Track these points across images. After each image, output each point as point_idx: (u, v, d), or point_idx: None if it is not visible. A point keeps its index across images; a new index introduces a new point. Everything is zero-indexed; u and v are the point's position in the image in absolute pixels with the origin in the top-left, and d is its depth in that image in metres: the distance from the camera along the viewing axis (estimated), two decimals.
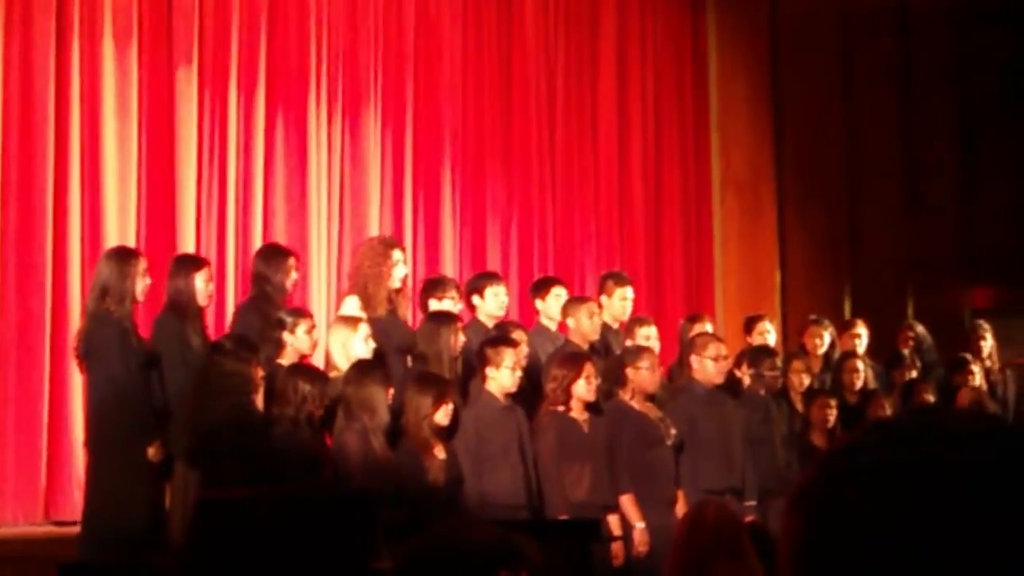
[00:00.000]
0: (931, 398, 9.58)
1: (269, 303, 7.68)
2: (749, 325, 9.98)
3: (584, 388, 7.51)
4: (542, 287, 8.88)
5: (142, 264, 7.31)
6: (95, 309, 7.16)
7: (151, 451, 7.01)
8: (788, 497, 1.10)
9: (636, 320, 9.05)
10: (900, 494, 1.03)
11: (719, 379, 8.22)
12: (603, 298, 8.93)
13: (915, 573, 1.01)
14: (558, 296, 8.68)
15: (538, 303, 8.76)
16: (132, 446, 6.98)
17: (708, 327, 9.32)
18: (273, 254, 8.04)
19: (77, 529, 7.24)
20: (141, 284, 7.24)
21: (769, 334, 9.82)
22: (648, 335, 8.72)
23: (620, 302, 8.99)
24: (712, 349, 8.22)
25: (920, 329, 10.85)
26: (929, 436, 1.06)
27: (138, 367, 7.06)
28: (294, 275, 7.99)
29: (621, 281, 9.17)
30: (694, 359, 8.23)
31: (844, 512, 1.04)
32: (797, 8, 12.94)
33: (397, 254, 8.16)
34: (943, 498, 1.02)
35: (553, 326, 8.66)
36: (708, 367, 8.16)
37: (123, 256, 7.39)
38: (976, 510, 1.01)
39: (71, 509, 8.08)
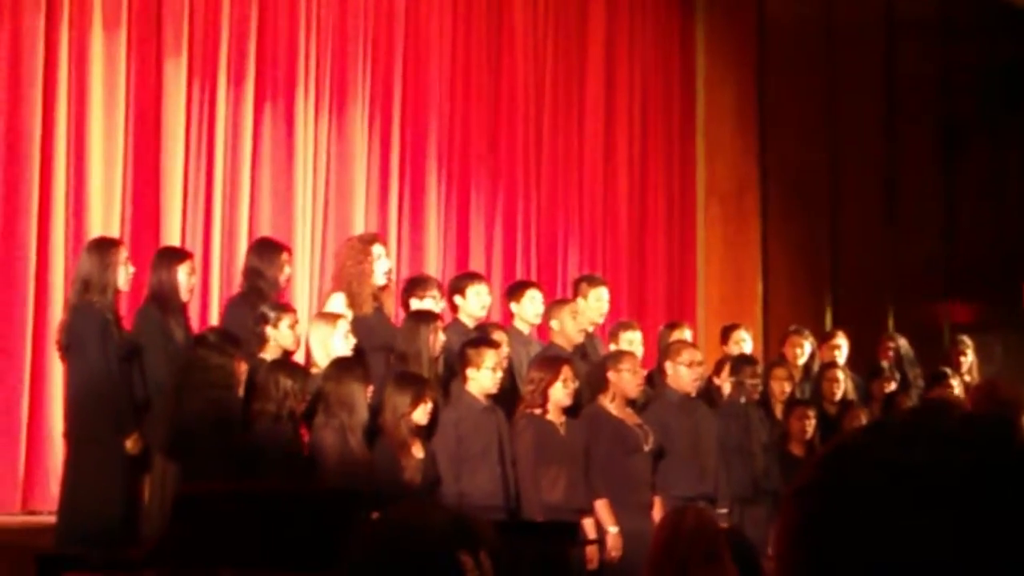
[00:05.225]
0: None
1: (261, 298, 7.66)
2: (725, 334, 10.03)
3: (561, 391, 7.52)
4: (517, 290, 8.83)
5: (123, 253, 7.29)
6: (77, 301, 7.15)
7: (129, 443, 7.00)
8: (785, 494, 1.12)
9: (620, 324, 9.08)
10: (895, 494, 1.04)
11: (693, 386, 8.23)
12: (579, 301, 8.90)
13: (909, 574, 1.03)
14: (532, 299, 8.64)
15: (513, 306, 8.71)
16: (110, 438, 6.97)
17: (687, 334, 9.35)
18: (267, 248, 8.02)
19: (53, 520, 7.22)
20: (124, 274, 7.23)
21: (745, 343, 9.85)
22: (632, 340, 8.74)
23: (596, 303, 8.95)
24: (686, 355, 8.24)
25: (902, 341, 10.90)
26: (927, 438, 1.07)
27: (118, 359, 7.04)
28: (287, 270, 7.97)
29: (595, 282, 9.16)
30: (668, 365, 8.25)
31: (839, 511, 1.06)
32: (785, 18, 12.99)
33: (377, 249, 8.14)
34: (938, 500, 1.03)
35: (527, 329, 8.65)
36: (682, 374, 8.17)
37: (104, 247, 7.37)
38: (970, 512, 1.03)
39: (48, 500, 8.05)
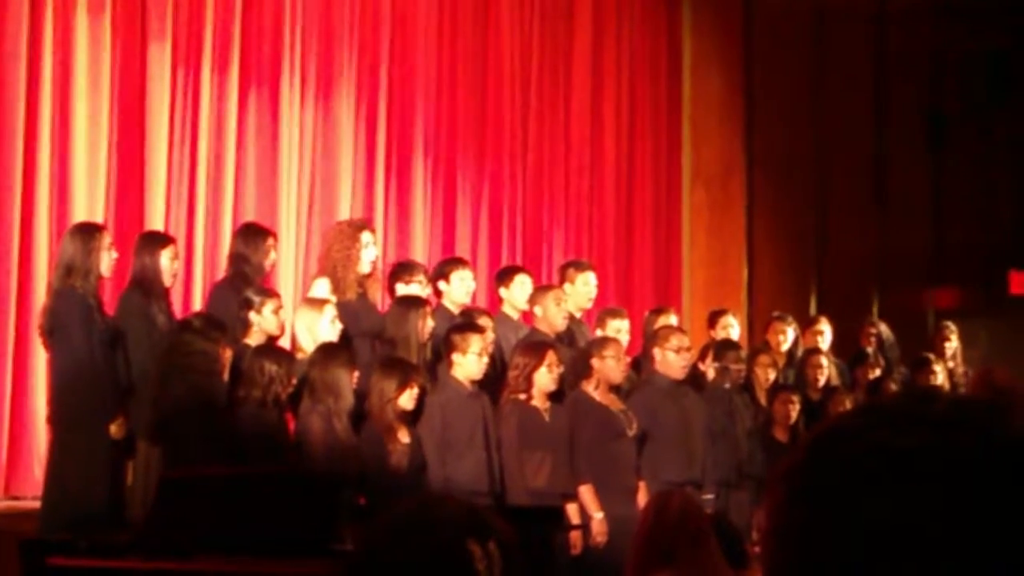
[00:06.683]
0: None
1: (246, 283, 7.64)
2: (713, 319, 10.04)
3: (546, 377, 7.52)
4: (506, 275, 8.85)
5: (106, 239, 7.26)
6: (60, 286, 7.12)
7: (113, 428, 6.99)
8: (772, 476, 1.11)
9: (608, 312, 9.06)
10: (886, 477, 1.04)
11: (681, 372, 8.23)
12: (566, 286, 8.89)
13: (897, 559, 1.02)
14: (522, 284, 8.64)
15: (502, 291, 8.72)
16: (94, 423, 6.95)
17: (673, 319, 9.35)
18: (252, 233, 8.00)
19: (37, 505, 7.21)
20: (107, 259, 7.20)
21: (732, 328, 9.86)
22: (619, 328, 8.73)
23: (584, 288, 8.94)
24: (674, 341, 8.24)
25: (883, 327, 10.93)
26: (918, 422, 1.06)
27: (102, 343, 7.03)
28: (273, 255, 7.96)
29: (582, 267, 9.16)
30: (656, 351, 8.25)
31: (829, 494, 1.05)
32: (772, 4, 12.99)
33: (366, 236, 8.13)
34: (929, 483, 1.03)
35: (516, 315, 8.64)
36: (670, 359, 8.18)
37: (86, 231, 7.34)
38: (961, 496, 1.02)
39: (31, 485, 8.03)
